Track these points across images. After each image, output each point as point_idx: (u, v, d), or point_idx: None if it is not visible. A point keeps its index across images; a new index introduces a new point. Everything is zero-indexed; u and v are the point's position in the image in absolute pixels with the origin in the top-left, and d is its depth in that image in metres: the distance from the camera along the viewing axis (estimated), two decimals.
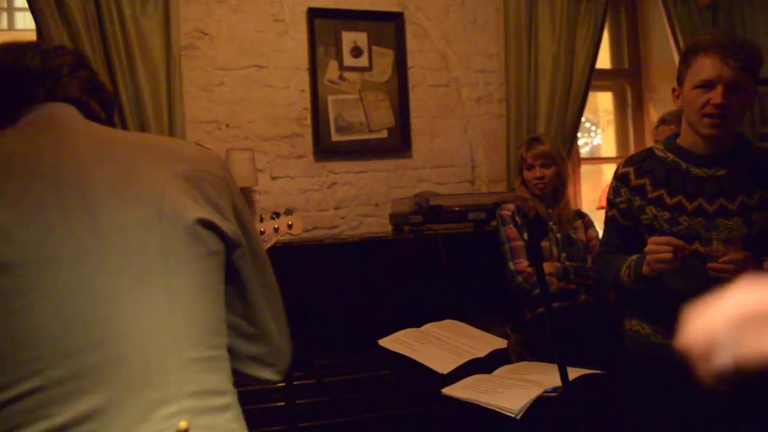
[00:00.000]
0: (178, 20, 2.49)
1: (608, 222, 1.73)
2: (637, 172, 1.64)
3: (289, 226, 1.98)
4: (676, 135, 1.65)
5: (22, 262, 0.66)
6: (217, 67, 2.63)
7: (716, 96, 1.47)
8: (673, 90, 1.62)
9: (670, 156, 1.62)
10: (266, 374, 0.90)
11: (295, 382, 1.69)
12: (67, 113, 0.85)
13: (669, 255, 1.44)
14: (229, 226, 0.81)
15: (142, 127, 2.38)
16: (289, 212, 1.95)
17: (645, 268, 1.51)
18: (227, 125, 2.64)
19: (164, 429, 0.68)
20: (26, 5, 2.37)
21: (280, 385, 1.78)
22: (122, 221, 0.72)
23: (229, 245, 0.81)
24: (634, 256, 1.58)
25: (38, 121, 0.82)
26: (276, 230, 1.92)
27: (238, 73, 2.66)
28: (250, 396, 1.77)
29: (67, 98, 0.88)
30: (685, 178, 1.57)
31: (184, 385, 0.70)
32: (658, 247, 1.46)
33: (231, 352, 0.83)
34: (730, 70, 1.46)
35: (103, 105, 0.94)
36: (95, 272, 0.69)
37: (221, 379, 0.77)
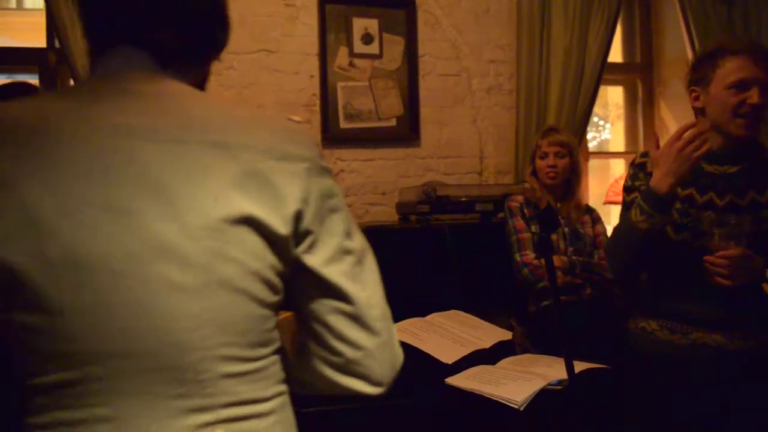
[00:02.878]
0: None
1: (627, 207, 1.69)
2: (653, 163, 1.63)
3: None
4: None
5: (62, 264, 0.64)
6: (226, 51, 2.58)
7: (753, 96, 1.49)
8: (692, 91, 1.61)
9: None
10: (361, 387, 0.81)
11: None
12: (143, 77, 0.74)
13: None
14: (296, 225, 0.72)
15: None
16: None
17: (655, 179, 1.45)
18: None
19: None
20: None
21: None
22: (167, 233, 0.66)
23: (295, 241, 0.73)
24: (638, 195, 1.54)
25: (103, 87, 0.73)
26: None
27: (247, 57, 2.64)
28: None
29: (151, 40, 0.76)
30: (698, 174, 1.57)
31: (221, 397, 0.69)
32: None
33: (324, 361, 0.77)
34: (763, 71, 1.49)
35: (197, 44, 0.80)
36: (130, 283, 0.66)
37: (264, 386, 0.73)
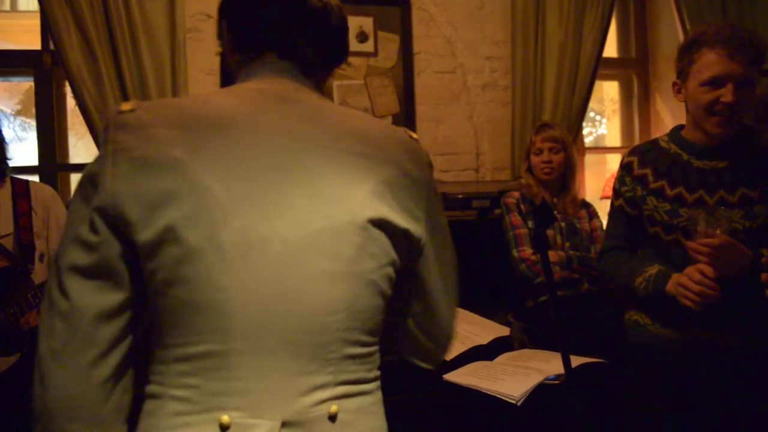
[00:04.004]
0: (183, 2, 2.48)
1: (614, 213, 1.70)
2: (640, 162, 1.63)
3: None
4: (681, 127, 1.64)
5: (230, 244, 0.70)
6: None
7: (727, 94, 1.42)
8: (674, 84, 1.58)
9: (673, 147, 1.60)
10: (426, 364, 0.98)
11: None
12: (292, 86, 0.84)
13: (713, 294, 1.40)
14: (417, 231, 0.83)
15: None
16: None
17: (673, 290, 1.47)
18: None
19: (317, 410, 0.75)
20: None
21: None
22: (320, 225, 0.75)
23: (415, 251, 0.84)
24: (653, 269, 1.54)
25: (266, 91, 0.81)
26: None
27: None
28: None
29: (303, 57, 0.86)
30: (686, 171, 1.55)
31: (340, 375, 0.77)
32: (702, 289, 1.40)
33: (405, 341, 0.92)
34: (739, 65, 1.41)
35: (328, 56, 0.90)
36: (293, 267, 0.73)
37: (370, 368, 0.82)
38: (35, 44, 2.62)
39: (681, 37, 2.99)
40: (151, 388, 0.74)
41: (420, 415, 1.72)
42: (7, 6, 7.30)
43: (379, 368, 0.86)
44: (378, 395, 0.84)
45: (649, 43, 3.34)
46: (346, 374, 0.78)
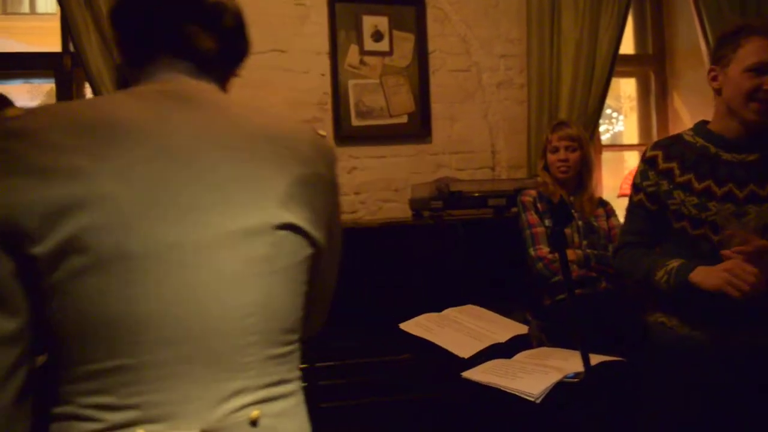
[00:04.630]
0: None
1: (633, 208, 1.69)
2: (665, 156, 1.61)
3: None
4: (706, 122, 1.63)
5: (137, 254, 0.68)
6: None
7: None
8: (710, 71, 1.57)
9: (699, 141, 1.59)
10: None
11: (316, 364, 1.71)
12: (194, 83, 0.82)
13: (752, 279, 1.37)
14: (320, 234, 0.83)
15: None
16: None
17: (698, 278, 1.46)
18: None
19: (238, 417, 0.73)
20: None
21: (302, 366, 1.81)
22: (230, 228, 0.73)
23: (316, 251, 0.84)
24: (675, 262, 1.53)
25: (167, 91, 0.78)
26: None
27: (259, 57, 2.66)
28: None
29: (201, 55, 0.83)
30: (715, 164, 1.54)
31: (260, 379, 0.76)
32: (745, 275, 1.38)
33: None
34: None
35: (226, 54, 0.88)
36: (200, 273, 0.71)
37: (291, 368, 0.81)
38: (54, 46, 2.66)
39: (699, 33, 2.96)
40: (59, 409, 0.69)
41: (438, 413, 1.72)
42: (26, 8, 7.41)
43: (300, 368, 0.86)
44: (300, 396, 0.83)
45: (667, 39, 3.31)
46: (267, 377, 0.76)
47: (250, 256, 0.74)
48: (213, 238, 0.72)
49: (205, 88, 0.82)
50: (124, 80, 0.88)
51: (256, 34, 2.74)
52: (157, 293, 0.69)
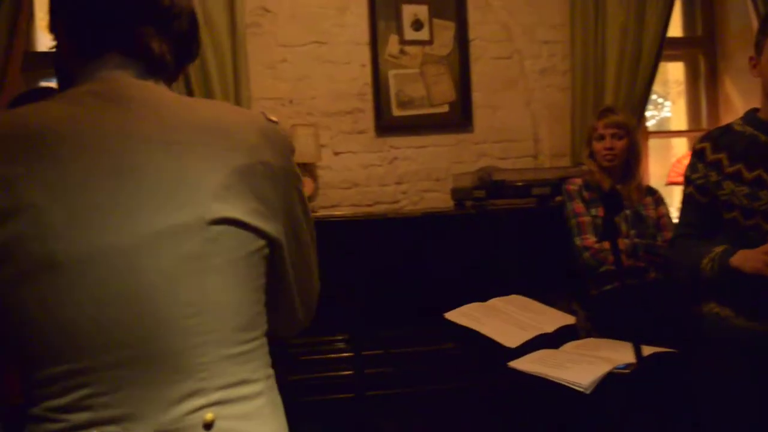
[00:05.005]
0: None
1: (685, 201, 1.68)
2: (713, 147, 1.59)
3: None
4: (757, 110, 1.58)
5: (67, 261, 0.68)
6: (280, 44, 2.67)
7: None
8: (751, 59, 1.54)
9: (749, 130, 1.55)
10: (278, 336, 0.94)
11: (363, 353, 1.73)
12: (129, 81, 0.79)
13: None
14: (272, 226, 0.80)
15: None
16: None
17: (738, 261, 1.46)
18: (291, 102, 2.68)
19: (191, 419, 0.71)
20: None
21: (349, 354, 1.84)
22: (161, 227, 0.71)
23: (271, 243, 0.81)
24: (719, 248, 1.52)
25: (100, 92, 0.76)
26: None
27: (300, 49, 2.68)
28: (320, 365, 1.83)
29: (135, 44, 0.81)
30: (765, 152, 1.50)
31: (215, 380, 0.73)
32: None
33: None
34: None
35: (178, 55, 0.85)
36: (133, 275, 0.70)
37: (254, 367, 0.78)
38: None
39: (751, 12, 2.84)
40: (31, 411, 0.71)
41: (484, 403, 1.73)
42: None
43: (273, 365, 0.83)
44: (270, 396, 0.80)
45: (717, 20, 3.19)
46: (224, 377, 0.74)
47: (181, 254, 0.71)
48: (143, 239, 0.70)
49: (146, 87, 0.80)
50: (62, 81, 0.86)
51: (296, 27, 2.77)
52: (92, 298, 0.68)
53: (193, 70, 2.46)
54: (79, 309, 0.68)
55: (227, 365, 0.74)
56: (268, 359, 0.82)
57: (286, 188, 0.82)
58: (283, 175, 0.82)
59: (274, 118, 0.84)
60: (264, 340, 0.82)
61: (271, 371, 0.82)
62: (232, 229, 0.74)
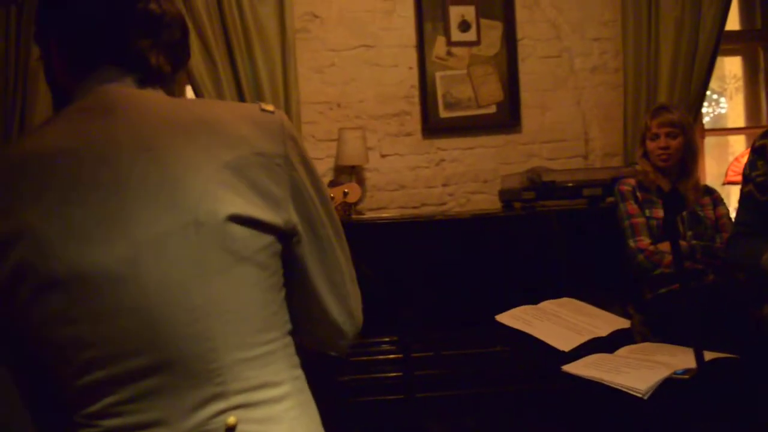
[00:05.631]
0: (291, 4, 2.58)
1: (744, 199, 1.62)
2: None
3: (345, 194, 2.27)
4: None
5: (69, 278, 0.68)
6: (328, 49, 2.71)
7: None
8: None
9: None
10: (329, 351, 0.91)
11: (413, 354, 1.74)
12: (118, 91, 0.78)
13: None
14: (279, 217, 0.77)
15: None
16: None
17: None
18: (338, 105, 2.71)
19: (213, 424, 0.71)
20: None
21: (398, 356, 1.85)
22: (156, 233, 0.70)
23: (283, 235, 0.78)
24: None
25: (90, 107, 0.76)
26: (330, 198, 2.10)
27: (348, 53, 2.71)
28: (370, 365, 1.85)
29: (131, 57, 0.80)
30: None
31: (234, 384, 0.72)
32: None
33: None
34: None
35: (173, 63, 0.84)
36: (135, 286, 0.70)
37: (276, 369, 0.76)
38: None
39: None
40: (69, 418, 0.72)
41: (537, 406, 1.70)
42: None
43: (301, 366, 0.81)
44: (297, 399, 0.78)
45: None
46: (244, 381, 0.73)
47: (178, 259, 0.70)
48: (139, 248, 0.69)
49: (138, 94, 0.79)
50: (57, 97, 0.85)
51: (344, 31, 2.81)
52: (98, 312, 0.69)
53: (243, 75, 2.53)
54: (88, 323, 0.69)
55: (244, 369, 0.73)
56: (293, 360, 0.80)
57: (290, 175, 0.79)
58: (283, 162, 0.78)
59: (269, 108, 0.81)
60: (287, 340, 0.80)
61: (298, 372, 0.80)
62: (235, 227, 0.72)
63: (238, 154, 0.75)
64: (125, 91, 0.78)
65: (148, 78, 0.81)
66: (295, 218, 0.79)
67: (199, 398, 0.70)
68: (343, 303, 0.86)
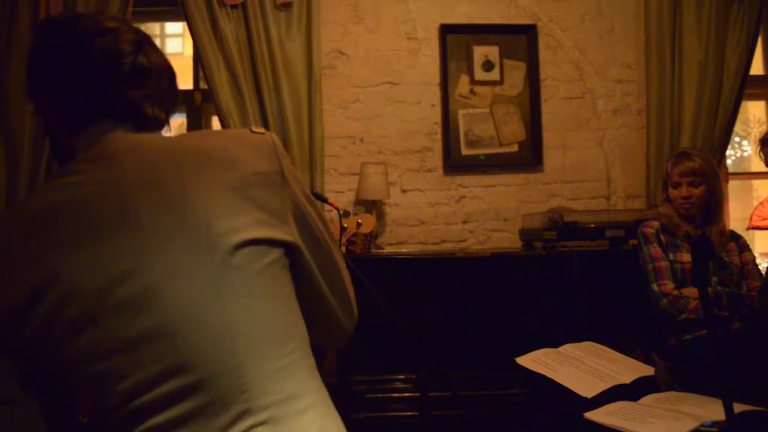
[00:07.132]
0: (319, 42, 2.64)
1: None
2: None
3: (358, 225, 2.29)
4: None
5: (99, 313, 0.71)
6: (353, 85, 2.75)
7: None
8: None
9: None
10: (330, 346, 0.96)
11: (430, 394, 1.71)
12: (119, 139, 0.82)
13: None
14: (285, 231, 0.81)
15: (284, 143, 2.54)
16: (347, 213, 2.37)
17: None
18: (361, 140, 2.74)
19: None
20: (177, 32, 2.62)
21: (414, 395, 1.82)
22: (173, 260, 0.74)
23: (289, 246, 0.82)
24: None
25: (96, 157, 0.80)
26: (344, 229, 2.12)
27: (372, 90, 2.76)
28: (385, 403, 1.82)
29: (124, 109, 0.84)
30: None
31: (259, 399, 0.73)
32: None
33: None
34: None
35: (166, 106, 0.89)
36: (159, 313, 0.72)
37: (299, 383, 0.78)
38: (185, 83, 2.90)
39: None
40: None
41: None
42: None
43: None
44: (320, 410, 0.79)
45: None
46: (270, 396, 0.74)
47: (193, 283, 0.73)
48: (157, 278, 0.73)
49: (136, 138, 0.83)
50: (59, 153, 0.88)
51: (370, 68, 2.86)
52: (130, 340, 0.72)
53: (270, 109, 2.57)
54: (120, 353, 0.71)
55: (268, 382, 0.74)
56: (315, 373, 0.82)
57: (287, 190, 0.83)
58: (279, 178, 0.82)
59: (260, 129, 0.86)
60: (306, 351, 0.82)
61: (320, 383, 0.82)
62: (240, 245, 0.75)
63: (238, 175, 0.79)
64: (126, 138, 0.82)
65: (146, 126, 0.85)
66: (297, 229, 0.83)
67: (230, 416, 0.72)
68: (344, 302, 0.92)
